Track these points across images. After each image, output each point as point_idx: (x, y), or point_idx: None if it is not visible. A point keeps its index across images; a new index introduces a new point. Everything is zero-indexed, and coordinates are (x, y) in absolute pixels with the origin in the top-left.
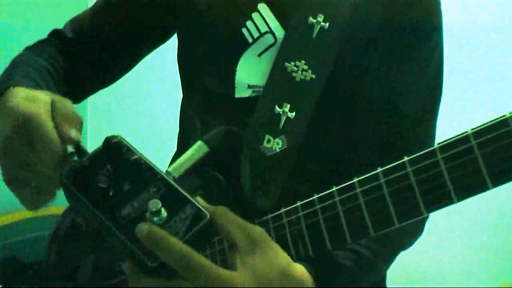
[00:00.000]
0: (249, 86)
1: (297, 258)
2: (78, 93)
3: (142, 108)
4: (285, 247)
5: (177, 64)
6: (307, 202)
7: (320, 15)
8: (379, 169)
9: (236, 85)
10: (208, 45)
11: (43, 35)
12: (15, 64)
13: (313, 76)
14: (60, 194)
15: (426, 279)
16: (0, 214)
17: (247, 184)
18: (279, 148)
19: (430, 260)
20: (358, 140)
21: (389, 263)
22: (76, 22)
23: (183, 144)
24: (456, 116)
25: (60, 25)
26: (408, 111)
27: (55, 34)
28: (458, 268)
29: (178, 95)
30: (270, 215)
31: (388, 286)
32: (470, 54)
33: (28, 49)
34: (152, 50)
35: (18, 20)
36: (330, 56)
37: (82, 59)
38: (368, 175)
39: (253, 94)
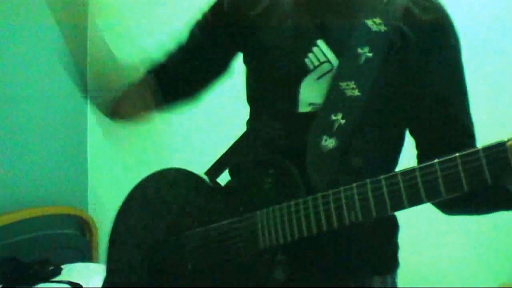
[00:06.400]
0: (310, 104)
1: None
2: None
3: None
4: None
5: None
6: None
7: (366, 47)
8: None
9: (299, 103)
10: (277, 72)
11: (44, 34)
12: None
13: (359, 93)
14: (59, 193)
15: (426, 279)
16: (0, 214)
17: (310, 170)
18: (332, 146)
19: (430, 260)
20: (391, 140)
21: None
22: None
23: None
24: None
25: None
26: (435, 104)
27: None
28: (458, 268)
29: None
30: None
31: None
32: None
33: None
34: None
35: (18, 20)
36: (372, 77)
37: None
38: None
39: (313, 109)
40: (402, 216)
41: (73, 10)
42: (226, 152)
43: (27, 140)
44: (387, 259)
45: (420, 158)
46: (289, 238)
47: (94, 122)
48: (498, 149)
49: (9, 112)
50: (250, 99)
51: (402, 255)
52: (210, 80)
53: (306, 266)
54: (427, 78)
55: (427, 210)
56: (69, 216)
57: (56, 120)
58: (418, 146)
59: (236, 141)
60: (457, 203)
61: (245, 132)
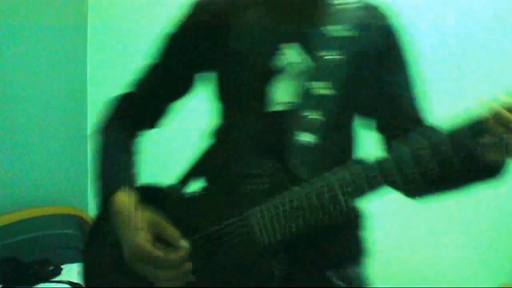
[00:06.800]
0: (284, 103)
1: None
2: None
3: None
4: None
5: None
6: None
7: (334, 50)
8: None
9: (273, 102)
10: (251, 74)
11: (44, 34)
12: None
13: (333, 92)
14: (59, 193)
15: (426, 279)
16: (0, 214)
17: (293, 166)
18: (311, 142)
19: (430, 260)
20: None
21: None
22: (138, 83)
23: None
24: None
25: (60, 24)
26: (396, 92)
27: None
28: (458, 268)
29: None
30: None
31: (386, 286)
32: (471, 54)
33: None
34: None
35: (18, 20)
36: (343, 77)
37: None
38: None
39: (287, 108)
40: (402, 216)
41: (73, 10)
42: (200, 159)
43: (27, 140)
44: (356, 248)
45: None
46: (288, 234)
47: (94, 122)
48: (480, 125)
49: (9, 112)
50: (223, 102)
51: (401, 255)
52: (180, 97)
53: (292, 262)
54: (389, 75)
55: (427, 210)
56: (69, 216)
57: (56, 120)
58: (385, 141)
59: (210, 148)
60: (431, 182)
61: (219, 138)
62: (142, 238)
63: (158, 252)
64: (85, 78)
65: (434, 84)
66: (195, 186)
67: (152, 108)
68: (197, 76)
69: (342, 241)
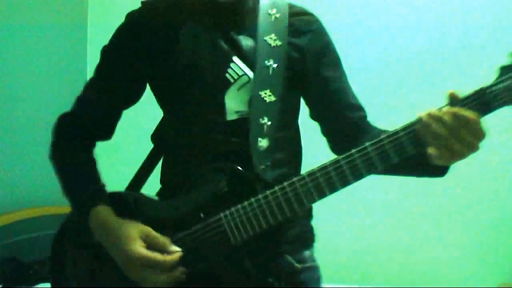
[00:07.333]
0: (236, 112)
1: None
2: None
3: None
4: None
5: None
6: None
7: (270, 59)
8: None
9: (227, 112)
10: (203, 88)
11: (43, 34)
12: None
13: (274, 98)
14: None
15: (426, 279)
16: (0, 214)
17: (256, 168)
18: (267, 145)
19: (430, 260)
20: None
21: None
22: (80, 101)
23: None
24: None
25: (60, 24)
26: (337, 85)
27: (67, 116)
28: (458, 268)
29: None
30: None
31: (386, 286)
32: (472, 55)
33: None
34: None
35: (18, 20)
36: (281, 83)
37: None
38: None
39: (239, 117)
40: (403, 216)
41: (73, 10)
42: (148, 165)
43: (27, 140)
44: (309, 235)
45: (333, 143)
46: (257, 230)
47: None
48: (412, 128)
49: (9, 112)
50: (172, 111)
51: (401, 255)
52: (125, 107)
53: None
54: (327, 71)
55: (427, 211)
56: None
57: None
58: (326, 133)
59: (165, 155)
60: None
61: (172, 145)
62: (138, 245)
63: (158, 256)
64: (85, 78)
65: (434, 84)
66: (147, 191)
67: (99, 123)
68: (139, 86)
69: (297, 230)
